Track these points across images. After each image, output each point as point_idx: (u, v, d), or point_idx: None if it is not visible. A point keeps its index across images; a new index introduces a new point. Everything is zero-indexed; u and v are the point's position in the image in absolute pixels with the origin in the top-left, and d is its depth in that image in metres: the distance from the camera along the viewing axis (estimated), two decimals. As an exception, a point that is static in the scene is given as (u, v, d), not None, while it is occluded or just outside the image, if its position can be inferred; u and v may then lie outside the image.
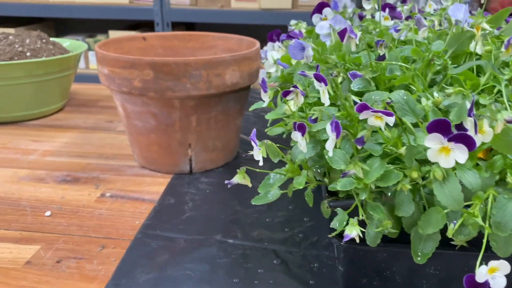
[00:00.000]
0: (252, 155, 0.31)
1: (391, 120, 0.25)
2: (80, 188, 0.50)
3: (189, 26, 2.22)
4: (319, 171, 0.33)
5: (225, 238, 0.40)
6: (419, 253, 0.28)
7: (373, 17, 0.53)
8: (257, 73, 0.52)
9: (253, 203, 0.32)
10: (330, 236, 0.29)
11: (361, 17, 0.53)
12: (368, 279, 0.32)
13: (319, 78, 0.27)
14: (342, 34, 0.32)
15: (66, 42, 0.78)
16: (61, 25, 2.28)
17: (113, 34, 1.95)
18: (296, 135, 0.28)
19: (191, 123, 0.50)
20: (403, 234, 0.29)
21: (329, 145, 0.26)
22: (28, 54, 0.67)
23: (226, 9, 1.84)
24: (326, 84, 0.27)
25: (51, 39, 0.75)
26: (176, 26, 2.00)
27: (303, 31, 0.47)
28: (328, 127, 0.26)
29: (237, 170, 0.32)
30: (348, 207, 0.29)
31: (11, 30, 1.97)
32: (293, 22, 0.65)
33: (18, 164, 0.55)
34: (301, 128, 0.27)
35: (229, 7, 1.86)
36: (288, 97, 0.30)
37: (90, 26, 2.26)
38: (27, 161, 0.56)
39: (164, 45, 0.62)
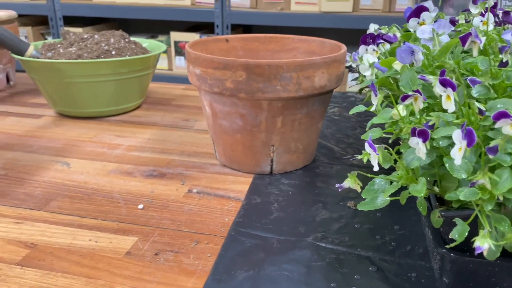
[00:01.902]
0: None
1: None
2: (167, 183, 0.51)
3: (247, 28, 2.25)
4: (428, 179, 0.32)
5: (317, 241, 0.40)
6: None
7: (467, 21, 0.51)
8: (343, 76, 0.52)
9: (359, 208, 0.32)
10: (448, 247, 0.28)
11: (453, 22, 0.52)
12: (478, 293, 0.31)
13: (446, 83, 0.27)
14: (464, 38, 0.31)
15: (145, 42, 0.81)
16: (124, 25, 2.38)
17: (175, 35, 2.00)
18: (414, 141, 0.28)
19: (276, 124, 0.50)
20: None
21: (456, 153, 0.26)
22: (113, 52, 0.70)
23: (286, 12, 1.84)
24: (454, 90, 0.27)
25: (132, 38, 0.78)
26: (234, 28, 2.03)
27: (398, 35, 0.46)
28: (457, 134, 0.25)
29: (348, 174, 0.31)
30: (467, 217, 0.28)
31: (79, 30, 2.08)
32: (372, 26, 0.64)
33: (106, 157, 0.58)
34: (422, 134, 0.27)
35: (288, 9, 1.86)
36: (406, 102, 0.29)
37: (152, 26, 2.34)
38: (114, 155, 0.59)
39: (245, 47, 0.63)
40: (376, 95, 0.33)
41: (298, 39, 0.63)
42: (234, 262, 0.37)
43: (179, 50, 2.02)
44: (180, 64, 2.05)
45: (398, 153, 0.33)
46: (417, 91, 0.28)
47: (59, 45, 0.74)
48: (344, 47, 0.53)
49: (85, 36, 0.74)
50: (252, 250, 0.38)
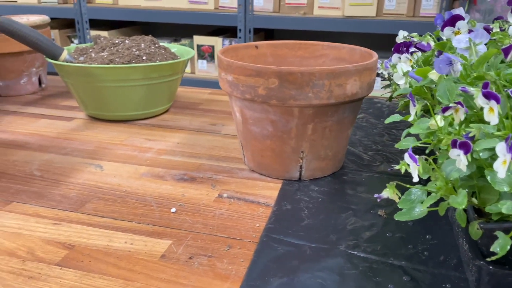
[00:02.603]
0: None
1: None
2: (198, 187, 0.52)
3: (269, 32, 2.26)
4: (467, 190, 0.31)
5: (349, 249, 0.40)
6: None
7: (501, 30, 0.51)
8: (374, 84, 0.52)
9: (396, 218, 0.32)
10: (489, 259, 0.28)
11: (487, 30, 0.51)
12: (518, 307, 0.31)
13: (490, 96, 0.27)
14: (507, 50, 0.31)
15: (174, 47, 0.83)
16: (148, 29, 2.42)
17: (197, 39, 2.02)
18: (455, 153, 0.28)
19: (307, 131, 0.50)
20: None
21: (499, 166, 0.25)
22: (144, 58, 0.72)
23: (309, 16, 1.84)
24: (498, 102, 0.26)
25: (161, 43, 0.80)
26: (256, 32, 2.04)
27: (432, 43, 0.46)
28: (501, 147, 0.25)
29: (387, 184, 0.32)
30: (508, 230, 0.28)
31: (104, 33, 2.12)
32: (401, 33, 0.64)
33: (137, 161, 0.59)
34: (464, 146, 0.27)
35: (311, 14, 1.86)
36: (447, 113, 0.29)
37: (174, 30, 2.37)
38: (145, 158, 0.60)
39: (274, 53, 0.64)
40: (414, 105, 0.33)
41: (328, 45, 0.63)
42: (268, 269, 0.37)
43: (202, 54, 2.04)
44: (202, 68, 2.07)
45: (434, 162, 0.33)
46: (459, 103, 0.28)
47: (90, 50, 0.76)
48: (375, 55, 0.53)
49: (116, 41, 0.75)
50: (285, 257, 0.39)
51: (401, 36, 0.65)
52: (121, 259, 0.39)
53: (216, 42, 2.00)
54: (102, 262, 0.39)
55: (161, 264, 0.38)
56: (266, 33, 2.24)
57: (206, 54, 2.04)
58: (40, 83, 0.91)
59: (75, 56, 0.74)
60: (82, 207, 0.47)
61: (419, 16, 1.79)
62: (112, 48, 0.74)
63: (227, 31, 2.20)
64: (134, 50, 0.72)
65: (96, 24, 2.23)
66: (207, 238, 0.42)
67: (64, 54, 0.70)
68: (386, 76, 0.53)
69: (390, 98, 0.61)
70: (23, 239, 0.42)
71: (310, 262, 0.38)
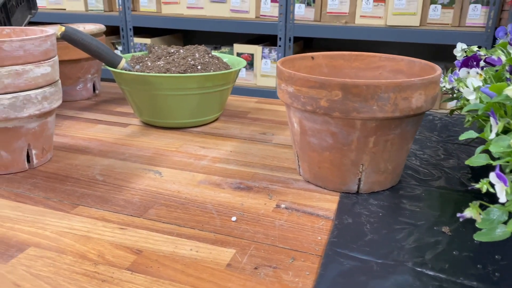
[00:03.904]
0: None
1: None
2: (256, 196, 0.52)
3: (308, 41, 2.26)
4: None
5: (417, 267, 0.39)
6: None
7: None
8: (437, 97, 0.51)
9: (475, 239, 0.31)
10: None
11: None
12: None
13: None
14: None
15: (225, 57, 0.84)
16: (188, 36, 2.46)
17: (237, 47, 2.05)
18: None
19: (368, 144, 0.50)
20: None
21: None
22: (199, 67, 0.73)
23: (350, 25, 1.83)
24: None
25: (213, 52, 0.81)
26: (296, 41, 2.04)
27: (503, 58, 0.45)
28: None
29: (470, 203, 0.31)
30: None
31: (147, 40, 2.18)
32: (460, 45, 0.62)
33: (194, 168, 0.60)
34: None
35: (353, 23, 1.85)
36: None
37: (214, 37, 2.41)
38: (201, 166, 0.61)
39: (330, 64, 0.64)
40: (496, 123, 0.33)
41: (385, 57, 0.62)
42: (336, 283, 0.37)
43: (241, 61, 2.06)
44: (242, 75, 2.09)
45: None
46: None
47: (146, 58, 0.78)
48: (438, 68, 0.52)
49: (172, 51, 0.77)
50: (352, 272, 0.38)
51: (459, 48, 0.64)
52: (188, 266, 0.40)
53: (256, 50, 2.02)
54: (170, 268, 0.39)
55: (228, 273, 0.39)
56: (305, 42, 2.24)
57: (246, 62, 2.06)
58: (94, 89, 0.94)
59: (132, 64, 0.76)
60: (146, 213, 0.49)
61: (465, 26, 1.75)
62: (167, 57, 0.76)
63: (266, 39, 2.21)
64: (189, 59, 0.74)
65: (138, 31, 2.30)
66: (270, 249, 0.42)
67: (123, 63, 0.73)
68: (449, 90, 0.52)
69: (452, 112, 0.59)
70: (93, 242, 0.43)
71: (378, 279, 0.38)
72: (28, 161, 0.58)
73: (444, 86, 0.52)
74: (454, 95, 0.55)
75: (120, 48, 2.27)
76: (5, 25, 0.83)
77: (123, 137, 0.71)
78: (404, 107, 0.47)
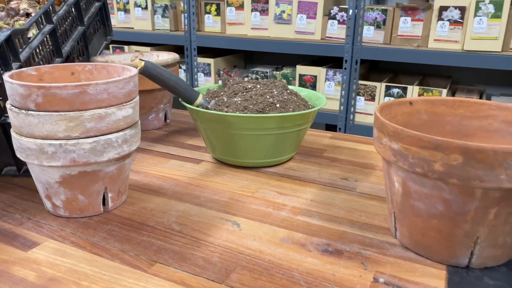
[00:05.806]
0: None
1: None
2: (348, 265, 0.46)
3: (372, 64, 2.17)
4: None
5: None
6: None
7: None
8: None
9: None
10: None
11: None
12: None
13: None
14: None
15: (303, 91, 0.79)
16: (250, 57, 2.46)
17: (300, 68, 2.00)
18: None
19: (488, 215, 0.42)
20: None
21: None
22: (277, 105, 0.69)
23: (422, 49, 1.73)
24: None
25: (290, 87, 0.77)
26: (361, 63, 1.96)
27: None
28: None
29: None
30: None
31: (210, 60, 2.19)
32: None
33: (274, 220, 0.55)
34: None
35: (425, 46, 1.75)
36: None
37: (276, 58, 2.38)
38: (281, 218, 0.56)
39: (430, 110, 0.57)
40: None
41: (495, 105, 0.54)
42: None
43: (304, 83, 2.01)
44: (304, 98, 2.03)
45: None
46: None
47: (222, 93, 0.75)
48: None
49: (249, 86, 0.74)
50: None
51: None
52: None
53: (320, 72, 1.96)
54: None
55: None
56: (371, 64, 2.16)
57: (308, 84, 2.01)
58: (165, 118, 0.92)
59: (207, 98, 0.73)
60: (228, 278, 0.44)
61: (554, 52, 1.59)
62: (244, 94, 0.72)
63: (330, 61, 2.15)
64: (267, 97, 0.70)
65: (201, 51, 2.32)
66: None
67: (200, 99, 0.70)
68: None
69: None
70: (174, 313, 0.39)
71: None
72: (103, 203, 0.56)
73: None
74: None
75: (184, 67, 2.30)
76: (83, 54, 0.84)
77: (197, 176, 0.68)
78: (539, 178, 0.39)
